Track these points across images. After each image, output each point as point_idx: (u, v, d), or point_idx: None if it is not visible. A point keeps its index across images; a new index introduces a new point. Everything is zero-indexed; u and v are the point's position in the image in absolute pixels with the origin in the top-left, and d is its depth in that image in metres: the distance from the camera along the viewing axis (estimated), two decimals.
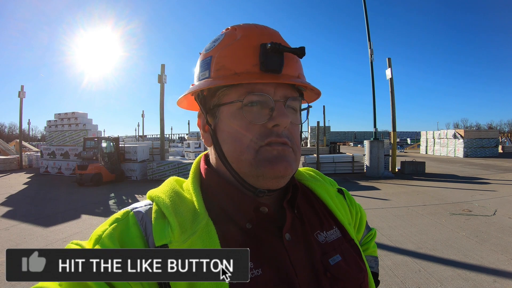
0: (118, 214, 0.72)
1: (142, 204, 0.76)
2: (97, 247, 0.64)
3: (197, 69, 0.83)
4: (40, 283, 0.60)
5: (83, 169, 14.76)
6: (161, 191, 0.77)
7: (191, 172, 0.84)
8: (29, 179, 17.31)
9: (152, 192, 0.77)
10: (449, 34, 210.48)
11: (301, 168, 0.99)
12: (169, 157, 20.14)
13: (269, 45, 0.70)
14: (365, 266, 0.84)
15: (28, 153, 26.27)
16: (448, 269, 4.68)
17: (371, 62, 16.87)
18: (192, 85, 0.83)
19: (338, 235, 0.84)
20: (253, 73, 0.72)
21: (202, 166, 0.85)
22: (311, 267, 0.74)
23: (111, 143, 16.76)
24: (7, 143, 33.11)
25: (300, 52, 0.73)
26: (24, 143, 28.89)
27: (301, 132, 0.85)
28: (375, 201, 9.75)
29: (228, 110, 0.74)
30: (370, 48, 16.83)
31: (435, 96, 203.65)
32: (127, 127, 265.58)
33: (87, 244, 0.67)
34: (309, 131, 42.78)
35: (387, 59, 17.04)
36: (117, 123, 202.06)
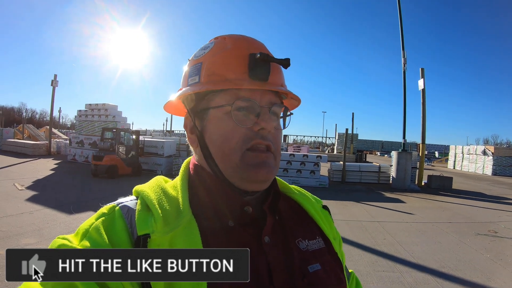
0: (105, 208, 0.74)
1: (128, 198, 0.79)
2: (84, 240, 0.66)
3: (186, 75, 0.88)
4: (24, 283, 0.62)
5: (98, 160, 14.45)
6: (147, 186, 0.79)
7: (181, 170, 0.87)
8: (56, 166, 17.88)
9: (138, 187, 0.80)
10: (482, 48, 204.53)
11: (292, 186, 1.03)
12: None
13: (258, 55, 0.76)
14: (345, 280, 0.86)
15: (57, 140, 27.16)
16: None
17: (404, 72, 16.66)
18: (180, 89, 0.88)
19: (321, 246, 0.87)
20: (243, 80, 0.77)
21: (192, 165, 0.88)
22: (288, 271, 0.76)
23: (131, 136, 16.60)
24: (37, 129, 34.19)
25: (285, 62, 0.80)
26: (54, 130, 29.68)
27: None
28: (400, 214, 9.71)
29: (216, 114, 0.79)
30: (404, 57, 16.62)
31: (465, 109, 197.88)
32: (156, 121, 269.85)
33: (74, 238, 0.69)
34: (336, 138, 42.43)
35: (420, 69, 16.76)
36: (145, 117, 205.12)
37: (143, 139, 18.14)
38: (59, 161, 19.72)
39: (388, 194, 13.56)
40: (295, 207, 0.94)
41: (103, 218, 0.71)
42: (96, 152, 15.31)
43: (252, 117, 0.77)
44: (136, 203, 0.75)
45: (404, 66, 16.59)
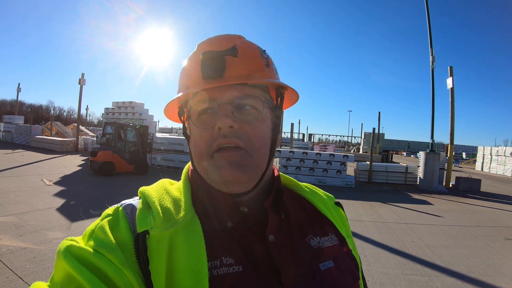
0: (110, 210, 0.75)
1: (131, 199, 0.80)
2: (90, 240, 0.67)
3: None
4: (34, 284, 0.63)
5: (93, 156, 13.89)
6: (151, 187, 0.80)
7: (183, 172, 0.88)
8: (83, 162, 18.07)
9: (142, 188, 0.81)
10: (510, 46, 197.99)
11: (303, 183, 1.00)
12: None
13: (201, 55, 0.75)
14: (359, 277, 0.86)
15: (84, 137, 27.49)
16: None
17: (432, 70, 16.41)
18: None
19: (334, 242, 0.85)
20: (197, 84, 0.76)
21: (191, 169, 0.88)
22: (298, 269, 0.74)
23: (133, 132, 15.56)
24: (65, 126, 34.91)
25: (232, 53, 0.75)
26: (81, 127, 29.92)
27: (276, 127, 0.84)
28: (427, 217, 9.66)
29: (191, 119, 0.79)
30: (432, 55, 16.37)
31: (493, 110, 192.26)
32: None
33: (82, 239, 0.70)
34: (362, 137, 41.95)
35: (448, 67, 16.43)
36: None
37: (151, 135, 17.13)
38: (86, 157, 19.44)
39: (415, 196, 13.44)
40: (305, 205, 0.92)
41: (108, 218, 0.72)
42: (94, 148, 14.70)
43: (216, 118, 0.75)
44: (138, 202, 0.77)
45: (432, 64, 16.35)
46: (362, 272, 0.94)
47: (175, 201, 0.75)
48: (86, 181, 12.36)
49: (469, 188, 15.58)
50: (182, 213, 0.71)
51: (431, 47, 16.44)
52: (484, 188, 16.08)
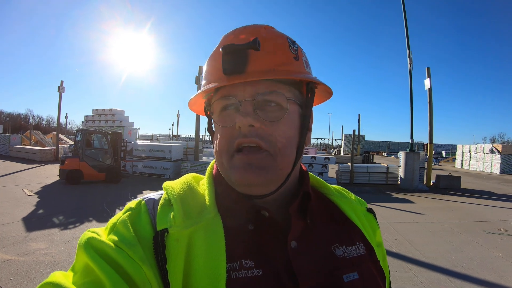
0: (132, 203, 0.74)
1: (155, 194, 0.78)
2: (112, 234, 0.66)
3: None
4: (53, 274, 0.62)
5: (62, 164, 13.57)
6: (175, 183, 0.78)
7: (208, 168, 0.85)
8: None
9: (166, 183, 0.79)
10: (489, 45, 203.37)
11: (333, 186, 0.96)
12: (203, 158, 20.52)
13: (221, 49, 0.70)
14: None
15: (64, 145, 27.06)
16: None
17: (410, 72, 16.71)
18: None
19: (361, 252, 0.79)
20: (219, 79, 0.72)
21: (215, 167, 0.86)
22: (318, 279, 0.70)
23: (104, 139, 15.20)
24: (44, 135, 34.41)
25: (249, 46, 0.69)
26: (61, 136, 29.80)
27: (304, 126, 0.78)
28: (409, 215, 9.72)
29: (213, 115, 0.77)
30: (409, 57, 16.66)
31: (471, 108, 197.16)
32: (162, 126, 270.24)
33: (103, 231, 0.70)
34: (343, 139, 42.35)
35: (426, 68, 16.72)
36: (152, 122, 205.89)
37: (124, 141, 16.30)
38: None
39: (396, 195, 13.55)
40: (333, 209, 0.87)
41: (129, 212, 0.71)
42: (63, 156, 14.35)
43: (236, 115, 0.71)
44: (161, 197, 0.75)
45: (410, 66, 16.62)
46: (390, 285, 0.89)
47: (198, 199, 0.74)
48: (67, 191, 12.18)
49: (450, 185, 15.82)
50: (204, 212, 0.70)
51: (409, 49, 16.74)
52: (464, 185, 16.36)
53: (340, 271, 0.73)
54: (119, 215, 0.72)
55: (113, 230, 0.68)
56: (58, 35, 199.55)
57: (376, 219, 0.96)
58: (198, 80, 17.93)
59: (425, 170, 16.64)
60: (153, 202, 0.74)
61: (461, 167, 32.02)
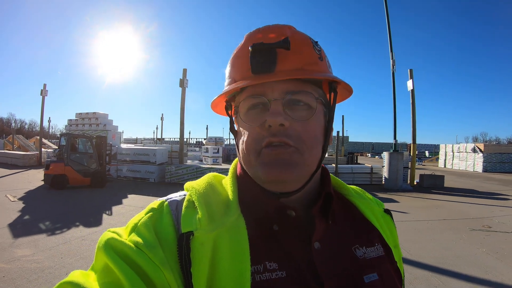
0: (155, 204, 0.74)
1: (177, 194, 0.78)
2: (133, 234, 0.66)
3: None
4: (70, 277, 0.62)
5: (46, 169, 13.40)
6: (197, 183, 0.78)
7: (230, 168, 0.85)
8: None
9: (188, 183, 0.79)
10: (469, 46, 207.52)
11: (350, 186, 0.96)
12: (187, 161, 20.40)
13: (250, 48, 0.70)
14: None
15: (48, 150, 26.79)
16: (468, 285, 4.74)
17: (393, 73, 16.75)
18: None
19: (380, 253, 0.79)
20: (246, 78, 0.72)
21: (238, 167, 0.85)
22: (341, 280, 0.70)
23: (89, 143, 14.88)
24: (27, 139, 33.88)
25: (279, 45, 0.69)
26: (44, 140, 29.49)
27: (329, 125, 0.79)
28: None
29: (239, 114, 0.76)
30: (392, 58, 16.74)
31: (453, 109, 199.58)
32: (146, 129, 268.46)
33: (124, 232, 0.69)
34: None
35: (408, 70, 16.92)
36: (136, 125, 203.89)
37: (109, 145, 16.15)
38: None
39: (381, 195, 13.58)
40: (352, 210, 0.87)
41: (151, 213, 0.71)
42: (47, 161, 14.05)
43: (265, 114, 0.70)
44: (184, 199, 0.74)
45: (393, 67, 16.73)
46: (404, 285, 0.88)
47: (222, 200, 0.74)
48: (51, 196, 11.91)
49: (433, 184, 16.05)
50: (228, 214, 0.70)
51: (391, 51, 16.85)
52: (447, 183, 16.59)
53: (361, 272, 0.73)
54: (141, 215, 0.71)
55: (134, 230, 0.67)
56: (40, 38, 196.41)
57: (393, 220, 0.96)
58: (182, 83, 17.76)
59: (409, 170, 16.76)
60: (176, 204, 0.73)
61: (444, 167, 32.45)
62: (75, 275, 0.62)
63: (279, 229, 0.72)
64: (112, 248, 0.63)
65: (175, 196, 0.77)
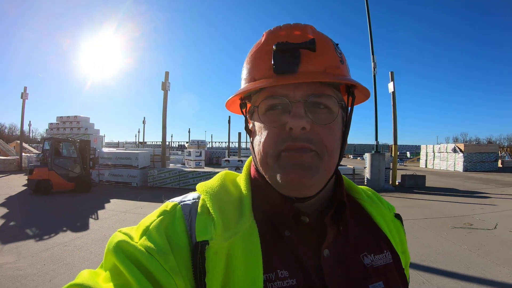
0: (167, 206, 0.72)
1: (190, 197, 0.75)
2: (144, 238, 0.65)
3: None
4: (79, 278, 0.60)
5: (30, 174, 13.10)
6: (210, 185, 0.76)
7: (244, 168, 0.84)
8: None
9: (201, 185, 0.77)
10: (448, 47, 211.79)
11: (361, 187, 0.94)
12: (170, 164, 20.20)
13: (274, 46, 0.67)
14: None
15: (28, 154, 26.29)
16: (451, 282, 4.77)
17: (374, 76, 16.96)
18: None
19: (387, 261, 0.78)
20: (268, 77, 0.70)
21: (252, 168, 0.83)
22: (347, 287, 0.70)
23: (73, 147, 14.54)
24: (7, 143, 33.14)
25: (310, 46, 0.66)
26: (24, 144, 28.91)
27: (346, 130, 0.77)
28: None
29: (257, 114, 0.73)
30: (373, 61, 16.93)
31: (434, 110, 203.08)
32: (128, 132, 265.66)
33: (135, 233, 0.67)
34: None
35: (389, 72, 17.10)
36: (118, 129, 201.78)
37: (93, 149, 15.83)
38: None
39: None
40: (363, 215, 0.86)
41: (163, 216, 0.69)
42: (30, 165, 13.88)
43: (286, 116, 0.68)
44: (197, 202, 0.73)
45: (374, 70, 16.92)
46: None
47: (236, 205, 0.72)
48: (33, 202, 11.59)
49: (415, 184, 16.22)
50: (241, 220, 0.69)
51: (373, 53, 17.03)
52: (429, 183, 16.78)
53: (367, 280, 0.72)
54: (153, 217, 0.70)
55: (145, 234, 0.66)
56: (20, 39, 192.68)
57: (403, 225, 0.94)
58: (164, 86, 17.64)
59: (391, 171, 16.94)
60: (190, 208, 0.72)
61: (426, 167, 32.84)
62: (84, 276, 0.60)
63: (291, 234, 0.71)
64: (122, 251, 0.62)
65: (188, 199, 0.75)
